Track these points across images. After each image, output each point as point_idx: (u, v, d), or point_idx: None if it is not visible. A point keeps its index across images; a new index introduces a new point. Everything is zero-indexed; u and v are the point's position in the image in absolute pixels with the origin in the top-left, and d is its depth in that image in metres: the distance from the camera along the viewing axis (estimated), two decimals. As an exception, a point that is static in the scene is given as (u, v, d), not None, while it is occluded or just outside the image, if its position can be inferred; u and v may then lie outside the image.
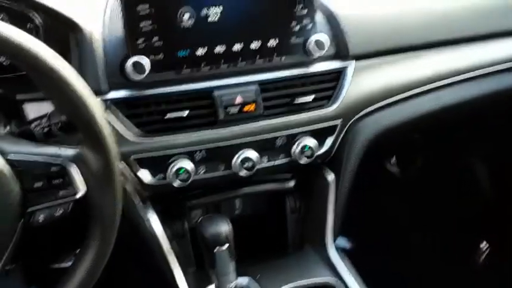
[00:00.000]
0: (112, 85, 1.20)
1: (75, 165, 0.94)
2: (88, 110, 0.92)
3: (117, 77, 1.20)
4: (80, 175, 0.94)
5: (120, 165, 1.00)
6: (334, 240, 1.45)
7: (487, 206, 2.37)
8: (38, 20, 1.24)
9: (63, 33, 1.20)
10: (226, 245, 1.22)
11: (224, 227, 1.21)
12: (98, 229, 0.97)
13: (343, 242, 1.53)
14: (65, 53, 1.07)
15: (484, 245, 2.37)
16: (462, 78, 1.53)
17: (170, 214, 1.37)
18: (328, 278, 1.37)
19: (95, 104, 0.93)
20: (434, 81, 1.50)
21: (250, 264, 1.40)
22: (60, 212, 0.95)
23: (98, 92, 1.17)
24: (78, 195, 0.94)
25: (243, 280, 1.34)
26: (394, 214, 2.30)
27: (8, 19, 1.22)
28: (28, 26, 1.23)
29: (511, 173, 2.32)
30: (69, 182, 0.93)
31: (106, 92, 1.20)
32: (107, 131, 0.95)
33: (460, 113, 1.61)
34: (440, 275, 2.22)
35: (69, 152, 0.95)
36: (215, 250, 1.21)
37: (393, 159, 2.41)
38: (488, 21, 1.60)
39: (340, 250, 1.45)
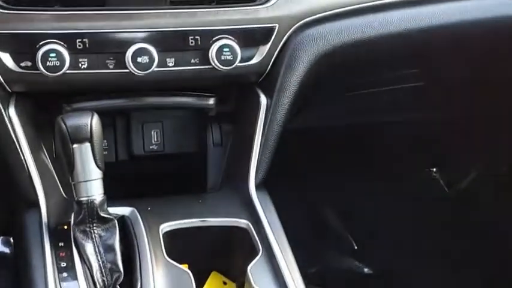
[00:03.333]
0: None
1: None
2: None
3: None
4: None
5: None
6: (258, 180, 1.15)
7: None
8: None
9: None
10: (87, 144, 0.95)
11: (86, 119, 0.94)
12: None
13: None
14: None
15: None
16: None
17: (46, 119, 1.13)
18: (238, 221, 1.08)
19: None
20: None
21: (151, 198, 1.13)
22: None
23: None
24: None
25: (125, 210, 1.07)
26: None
27: None
28: None
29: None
30: None
31: None
32: None
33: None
34: None
35: None
36: (73, 146, 0.95)
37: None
38: None
39: (264, 190, 1.15)
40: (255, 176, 1.16)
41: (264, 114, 1.16)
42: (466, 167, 1.86)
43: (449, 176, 1.91)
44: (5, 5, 0.99)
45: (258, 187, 1.16)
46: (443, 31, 1.22)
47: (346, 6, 1.17)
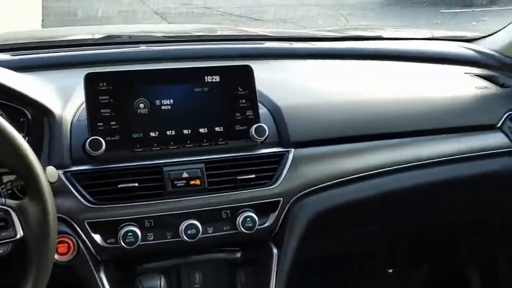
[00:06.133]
0: (75, 160, 1.45)
1: (16, 212, 1.16)
2: (31, 171, 1.18)
3: (80, 153, 1.45)
4: (20, 221, 1.14)
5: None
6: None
7: None
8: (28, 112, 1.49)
9: (40, 118, 1.47)
10: None
11: (156, 281, 1.38)
12: (32, 271, 1.16)
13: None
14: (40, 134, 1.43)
15: None
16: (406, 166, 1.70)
17: (125, 278, 1.54)
18: None
19: (38, 167, 1.20)
20: (377, 169, 1.66)
21: None
22: (0, 251, 1.15)
23: (61, 166, 1.43)
24: (16, 237, 1.15)
25: None
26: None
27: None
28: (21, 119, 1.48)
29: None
30: (10, 225, 1.14)
31: (68, 166, 1.44)
32: (47, 189, 1.20)
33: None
34: None
35: (13, 202, 1.19)
36: None
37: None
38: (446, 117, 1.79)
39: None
40: None
41: (276, 261, 1.58)
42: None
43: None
44: (97, 201, 1.43)
45: None
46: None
47: (332, 180, 1.62)
